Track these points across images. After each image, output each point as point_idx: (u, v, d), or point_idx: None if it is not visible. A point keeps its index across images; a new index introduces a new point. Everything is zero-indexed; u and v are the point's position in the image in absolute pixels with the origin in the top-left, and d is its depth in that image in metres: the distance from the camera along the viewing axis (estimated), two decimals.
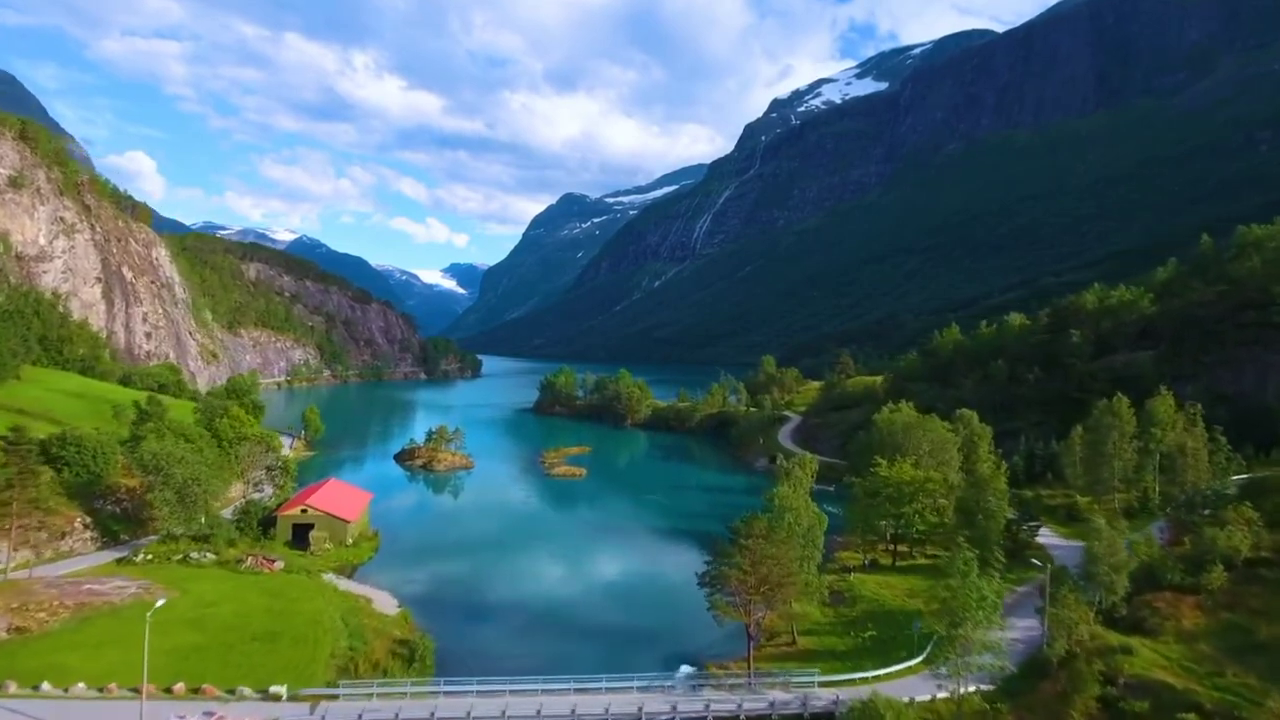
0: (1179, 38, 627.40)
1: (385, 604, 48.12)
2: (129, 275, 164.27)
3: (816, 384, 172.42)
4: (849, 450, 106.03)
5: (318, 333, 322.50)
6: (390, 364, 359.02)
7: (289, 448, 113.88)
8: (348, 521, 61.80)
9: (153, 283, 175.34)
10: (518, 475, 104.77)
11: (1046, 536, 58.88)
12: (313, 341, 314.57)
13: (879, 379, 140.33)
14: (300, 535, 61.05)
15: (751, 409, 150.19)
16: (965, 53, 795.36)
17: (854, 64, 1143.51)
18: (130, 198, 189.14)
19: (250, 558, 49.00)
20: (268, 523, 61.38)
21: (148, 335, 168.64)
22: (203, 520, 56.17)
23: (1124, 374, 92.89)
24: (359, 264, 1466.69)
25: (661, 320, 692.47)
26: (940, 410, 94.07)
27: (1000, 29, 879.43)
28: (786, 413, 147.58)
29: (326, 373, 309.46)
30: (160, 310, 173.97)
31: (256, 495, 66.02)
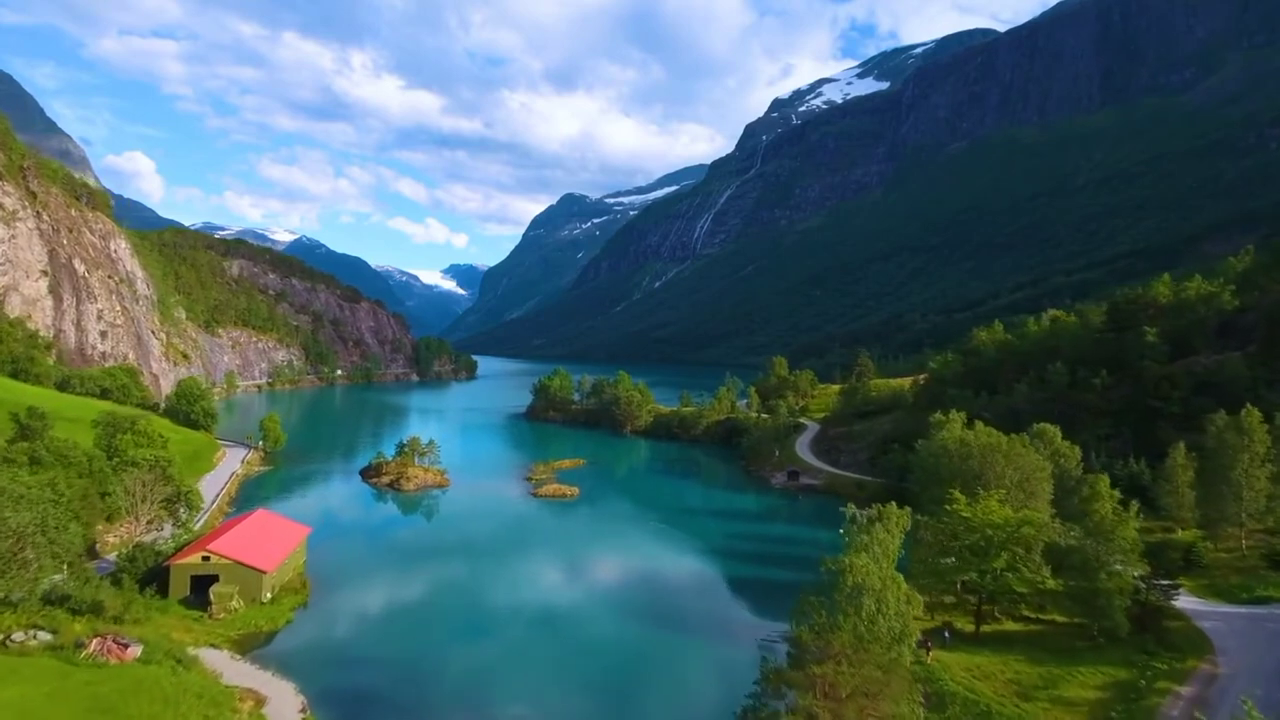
0: (1186, 35, 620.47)
1: (284, 708, 34.12)
2: (81, 269, 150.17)
3: (832, 387, 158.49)
4: (882, 466, 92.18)
5: (303, 332, 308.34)
6: (380, 365, 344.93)
7: (241, 462, 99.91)
8: (264, 572, 47.69)
9: (109, 277, 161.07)
10: (498, 495, 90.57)
11: (1183, 599, 44.61)
12: (297, 341, 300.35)
13: (907, 382, 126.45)
14: (203, 589, 47.05)
15: (763, 416, 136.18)
16: (969, 51, 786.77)
17: (855, 64, 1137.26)
18: (86, 184, 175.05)
19: (95, 640, 35.02)
20: (159, 575, 47.39)
21: (103, 334, 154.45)
22: (64, 573, 42.23)
23: (1209, 378, 79.34)
24: (358, 264, 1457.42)
25: (662, 320, 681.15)
26: (988, 421, 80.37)
27: (1000, 28, 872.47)
28: (802, 420, 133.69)
29: (311, 374, 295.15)
30: (118, 307, 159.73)
31: (151, 536, 51.83)
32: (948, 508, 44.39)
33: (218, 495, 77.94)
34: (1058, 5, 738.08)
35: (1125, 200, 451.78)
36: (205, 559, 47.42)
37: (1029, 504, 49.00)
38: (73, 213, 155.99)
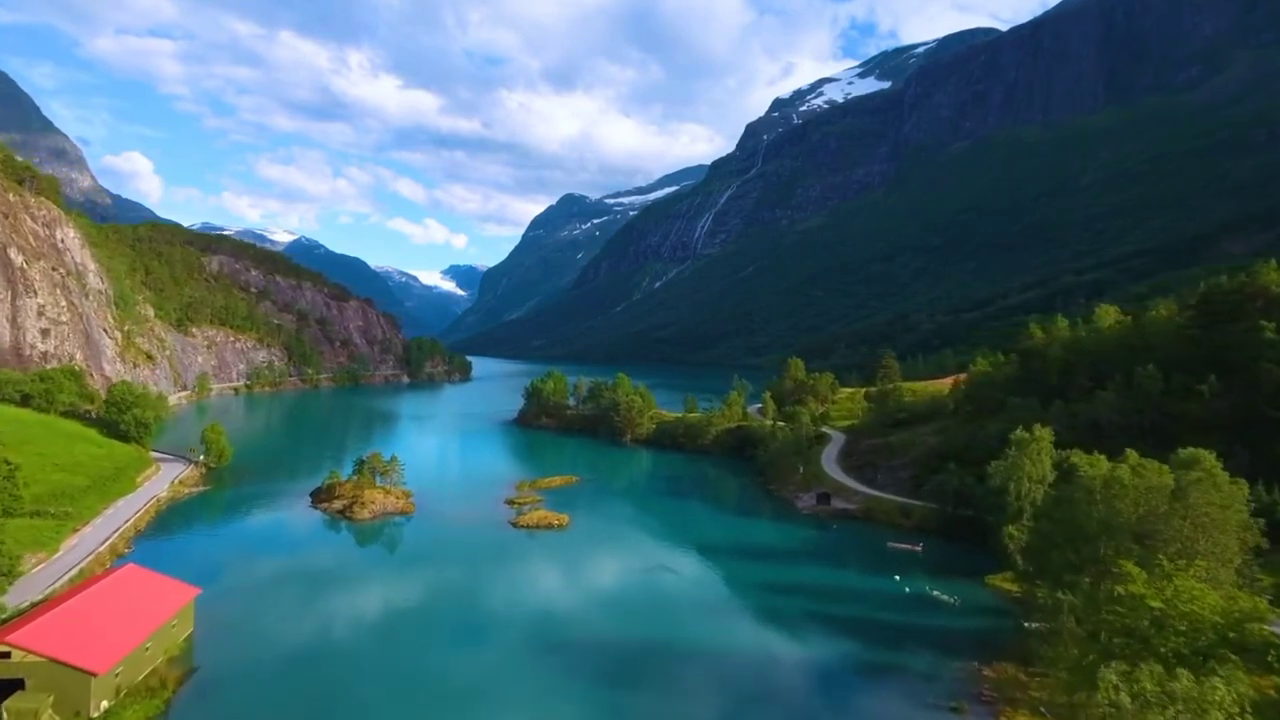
0: (1192, 33, 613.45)
1: None
2: (19, 259, 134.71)
3: (851, 391, 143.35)
4: (934, 489, 77.04)
5: (286, 332, 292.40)
6: (368, 367, 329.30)
7: (170, 482, 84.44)
8: (93, 673, 32.42)
9: (54, 270, 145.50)
10: (471, 525, 74.99)
11: None
12: (280, 341, 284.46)
13: (944, 385, 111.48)
14: (3, 698, 31.74)
15: (779, 424, 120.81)
16: (971, 50, 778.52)
17: (856, 63, 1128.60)
18: (30, 168, 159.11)
19: None
20: None
21: (44, 332, 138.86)
22: None
23: None
24: (358, 265, 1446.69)
25: (662, 321, 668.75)
26: (1064, 437, 65.49)
27: (1001, 27, 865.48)
28: (824, 429, 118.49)
29: (294, 376, 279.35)
30: (64, 302, 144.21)
31: None
32: (1120, 590, 29.11)
33: (114, 534, 62.34)
34: (1061, 4, 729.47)
35: (1131, 199, 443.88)
36: (4, 655, 32.09)
37: (1214, 568, 33.86)
38: (10, 197, 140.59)
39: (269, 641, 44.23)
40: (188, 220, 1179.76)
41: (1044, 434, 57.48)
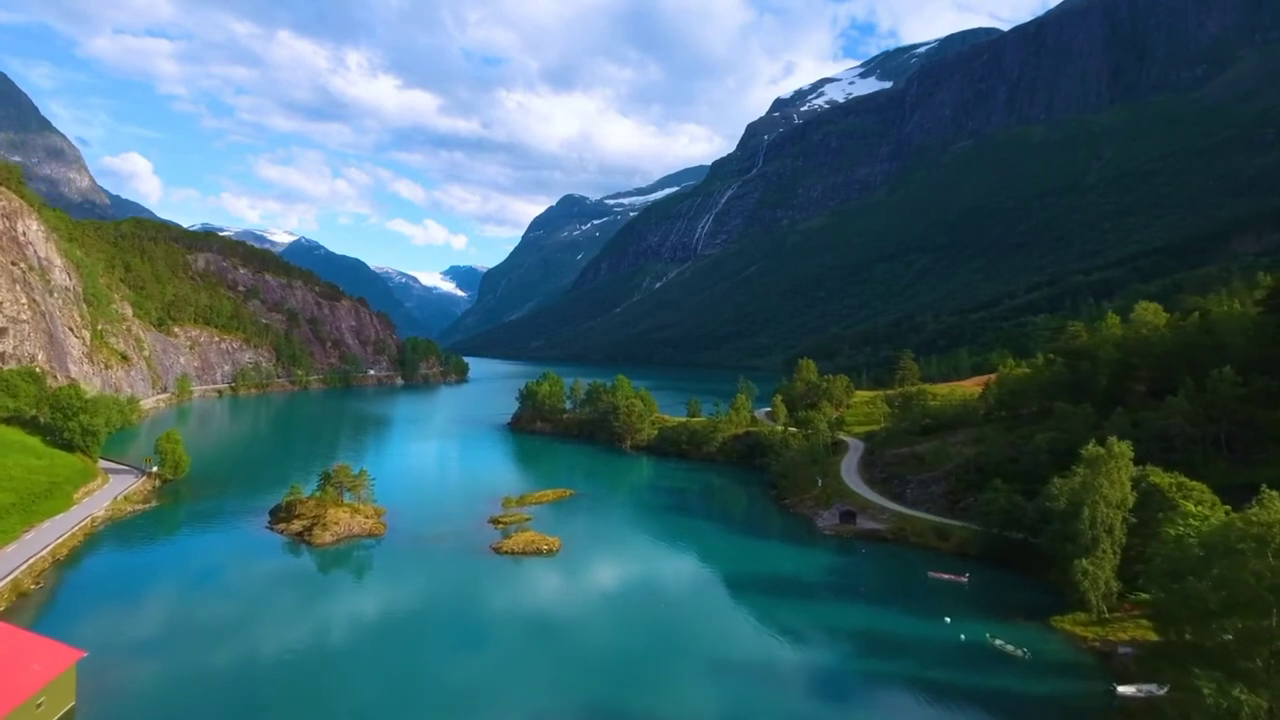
0: (1197, 31, 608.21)
1: None
2: None
3: (871, 395, 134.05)
4: (978, 508, 67.75)
5: (274, 332, 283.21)
6: (361, 368, 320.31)
7: (114, 497, 75.10)
8: None
9: (14, 264, 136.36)
10: (449, 550, 65.49)
11: None
12: (267, 342, 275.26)
13: (971, 389, 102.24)
14: None
15: (791, 430, 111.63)
16: (974, 49, 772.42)
17: (857, 64, 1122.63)
18: None
19: None
20: None
21: (1, 331, 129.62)
22: None
23: None
24: (358, 266, 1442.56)
25: (662, 322, 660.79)
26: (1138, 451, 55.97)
27: (1001, 27, 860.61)
28: (840, 436, 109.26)
29: (283, 378, 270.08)
30: (25, 299, 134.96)
31: None
32: None
33: (22, 565, 52.85)
34: (1065, 2, 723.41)
35: (1139, 199, 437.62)
36: None
37: None
38: None
39: (175, 717, 34.87)
40: (187, 221, 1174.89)
41: (1123, 449, 48.32)
